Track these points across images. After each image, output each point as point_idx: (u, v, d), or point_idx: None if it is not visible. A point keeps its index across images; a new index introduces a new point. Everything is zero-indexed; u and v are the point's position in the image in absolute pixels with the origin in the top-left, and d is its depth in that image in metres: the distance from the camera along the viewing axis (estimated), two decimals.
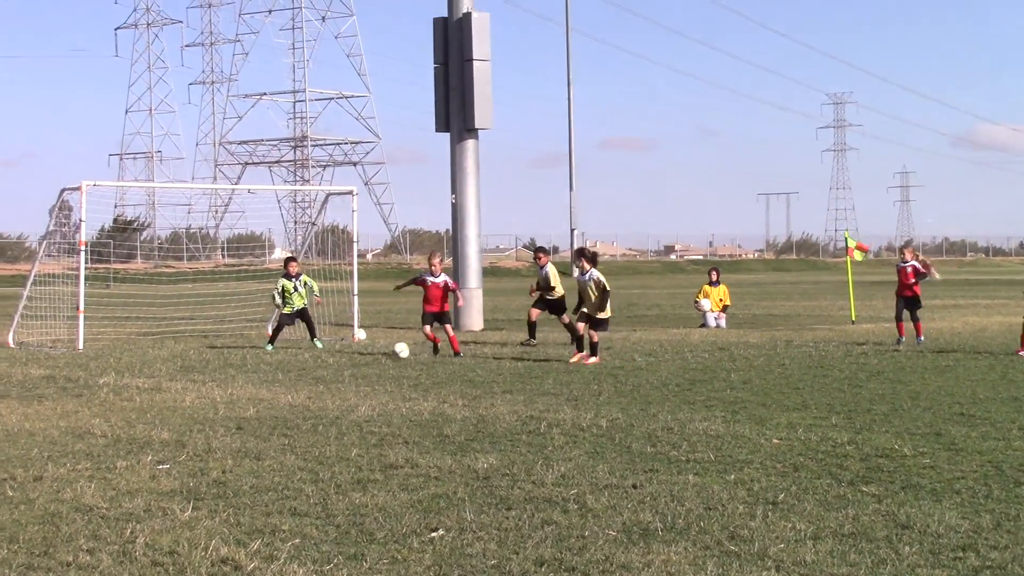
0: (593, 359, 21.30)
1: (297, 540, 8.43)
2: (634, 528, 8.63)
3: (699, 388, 17.30)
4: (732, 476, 10.48)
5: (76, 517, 9.21)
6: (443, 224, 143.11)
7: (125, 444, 12.72)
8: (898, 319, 25.42)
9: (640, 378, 18.74)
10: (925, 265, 25.52)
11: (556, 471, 10.75)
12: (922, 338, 25.15)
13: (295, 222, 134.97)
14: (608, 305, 21.91)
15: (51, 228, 33.21)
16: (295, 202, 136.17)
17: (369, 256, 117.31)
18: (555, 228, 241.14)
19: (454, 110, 33.39)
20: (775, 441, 12.34)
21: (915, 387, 17.09)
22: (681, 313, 39.65)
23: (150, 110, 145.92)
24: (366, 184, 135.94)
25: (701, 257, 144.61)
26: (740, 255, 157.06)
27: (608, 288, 21.87)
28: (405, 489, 10.11)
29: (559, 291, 25.42)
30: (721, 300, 32.83)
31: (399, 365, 21.44)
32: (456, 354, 23.02)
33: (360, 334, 28.62)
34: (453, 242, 34.71)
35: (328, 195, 33.17)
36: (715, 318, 32.38)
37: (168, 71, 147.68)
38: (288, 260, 26.87)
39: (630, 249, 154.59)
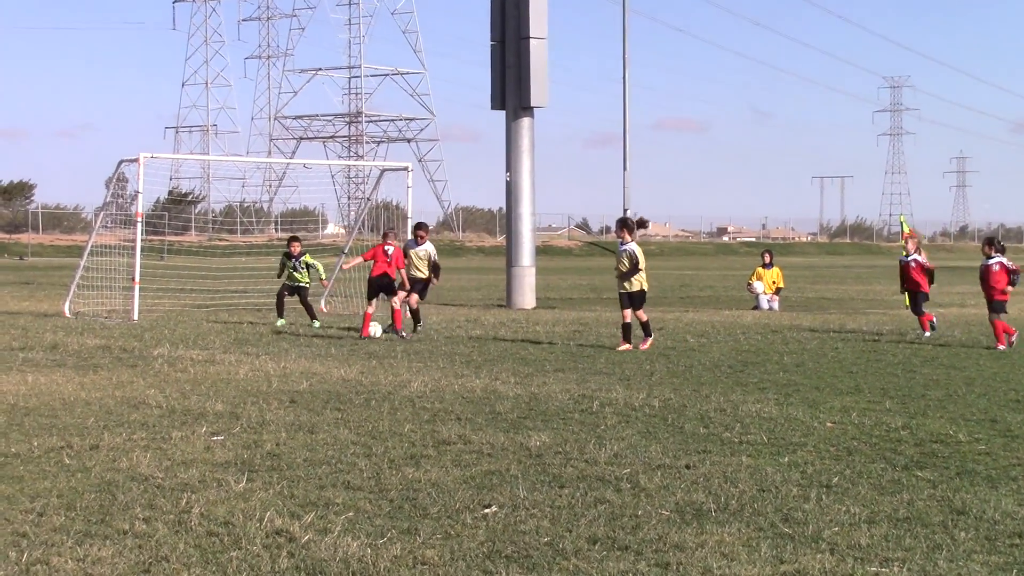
0: (649, 341, 20.41)
1: (351, 513, 8.46)
2: (687, 508, 8.61)
3: (752, 370, 17.23)
4: (786, 458, 10.44)
5: (132, 486, 9.28)
6: (496, 202, 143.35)
7: (180, 415, 12.81)
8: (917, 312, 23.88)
9: (692, 359, 18.70)
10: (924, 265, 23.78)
11: (609, 450, 10.74)
12: (927, 333, 23.33)
13: (348, 197, 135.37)
14: (638, 280, 20.52)
15: (108, 199, 33.45)
16: (349, 177, 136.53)
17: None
18: (608, 208, 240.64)
19: (510, 88, 33.36)
20: (829, 424, 12.29)
21: (970, 373, 16.96)
22: (734, 295, 39.54)
23: (206, 83, 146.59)
24: (420, 161, 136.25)
25: (754, 239, 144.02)
26: (793, 238, 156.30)
27: (641, 266, 20.53)
28: (458, 465, 10.13)
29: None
30: (774, 282, 32.70)
31: (452, 342, 21.46)
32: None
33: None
34: (507, 220, 34.72)
35: (383, 171, 33.21)
36: (768, 300, 32.25)
37: (224, 45, 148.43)
38: (291, 239, 27.22)
39: (683, 230, 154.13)
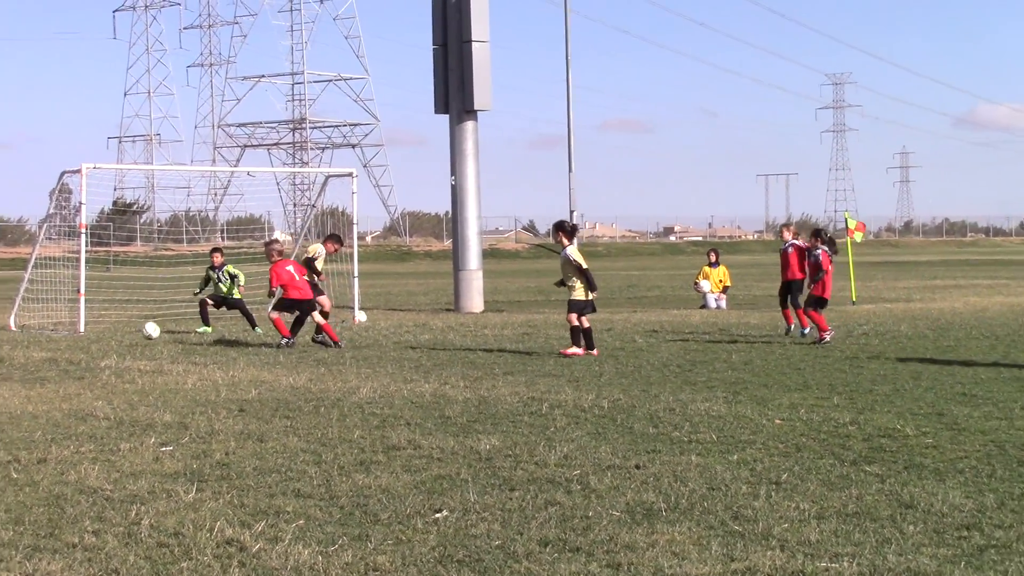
0: (572, 349, 19.42)
1: (301, 521, 8.44)
2: (638, 508, 8.64)
3: (700, 369, 17.31)
4: (735, 456, 10.49)
5: (81, 499, 9.22)
6: (442, 206, 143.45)
7: (128, 426, 12.73)
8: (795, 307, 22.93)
9: (641, 359, 18.75)
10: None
11: (559, 452, 10.76)
12: (806, 329, 22.20)
13: (294, 204, 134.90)
14: (582, 285, 19.71)
15: (51, 211, 33.17)
16: (294, 184, 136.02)
17: (368, 238, 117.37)
18: (555, 210, 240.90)
19: (453, 91, 33.36)
20: (777, 421, 12.36)
21: (916, 367, 17.10)
22: (681, 294, 39.69)
23: (149, 93, 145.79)
24: (365, 166, 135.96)
25: (700, 238, 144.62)
26: (739, 236, 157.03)
27: (584, 267, 19.76)
28: (408, 470, 10.12)
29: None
30: (721, 281, 32.85)
31: (400, 347, 21.44)
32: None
33: (360, 316, 28.63)
34: (453, 224, 34.71)
35: (328, 177, 33.14)
36: (715, 299, 32.40)
37: (167, 53, 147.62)
38: (212, 251, 27.32)
39: (629, 231, 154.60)
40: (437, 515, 8.53)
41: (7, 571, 7.35)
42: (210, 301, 26.46)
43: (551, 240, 20.47)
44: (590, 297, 19.81)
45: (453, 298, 34.10)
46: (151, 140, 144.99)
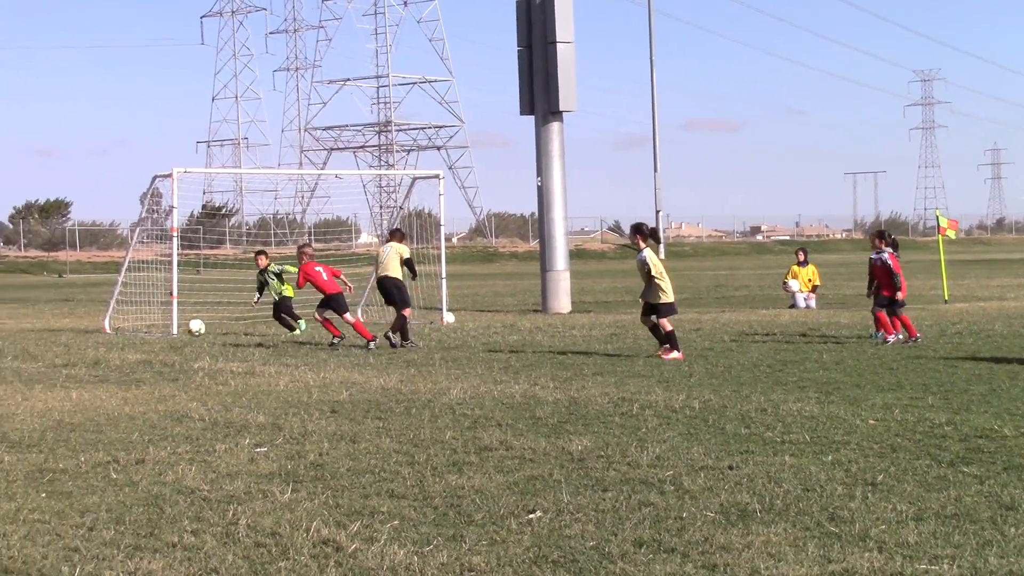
0: (674, 355, 18.92)
1: (396, 522, 8.48)
2: (732, 509, 8.60)
3: (791, 369, 17.19)
4: (829, 457, 10.41)
5: (179, 499, 9.33)
6: (527, 207, 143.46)
7: (223, 427, 12.87)
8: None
9: (731, 359, 18.66)
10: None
11: (651, 452, 10.74)
12: (881, 334, 21.08)
13: (380, 206, 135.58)
14: (656, 290, 19.39)
15: (143, 215, 33.62)
16: (380, 187, 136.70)
17: (455, 240, 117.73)
18: (640, 210, 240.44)
19: (538, 93, 33.39)
20: (871, 422, 12.24)
21: (1013, 367, 16.86)
22: (769, 294, 39.44)
23: (236, 97, 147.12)
24: (450, 168, 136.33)
25: (788, 237, 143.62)
26: (827, 235, 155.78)
27: (654, 273, 19.36)
28: (501, 471, 10.14)
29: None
30: (810, 280, 32.61)
31: (489, 348, 21.48)
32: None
33: (449, 317, 28.74)
34: (539, 225, 34.73)
35: (415, 179, 33.27)
36: (804, 298, 32.16)
37: (253, 58, 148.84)
38: (257, 254, 27.59)
39: (716, 230, 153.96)
40: (531, 515, 8.54)
41: (110, 569, 7.46)
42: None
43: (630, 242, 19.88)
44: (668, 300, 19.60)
45: (540, 299, 34.12)
46: (239, 144, 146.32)
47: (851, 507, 8.54)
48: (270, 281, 26.72)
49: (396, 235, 24.12)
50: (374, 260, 24.08)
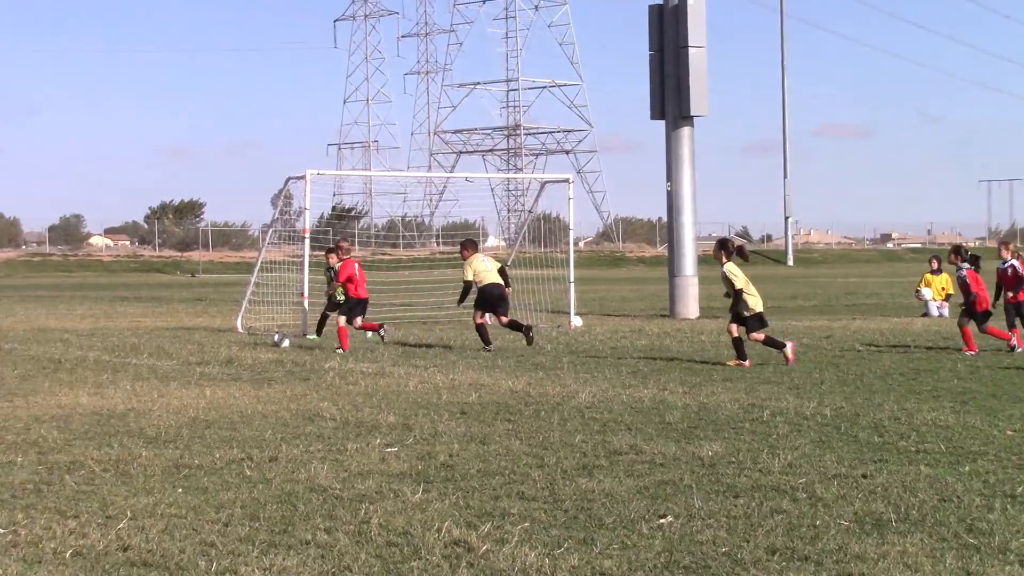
0: (742, 363, 18.93)
1: (527, 524, 8.49)
2: (866, 518, 8.48)
3: (925, 378, 16.92)
4: (966, 468, 10.22)
5: (312, 497, 9.43)
6: (655, 212, 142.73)
7: (354, 427, 12.98)
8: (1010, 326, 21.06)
9: (862, 367, 18.41)
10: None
11: (782, 459, 10.63)
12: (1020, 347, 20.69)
13: (508, 210, 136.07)
14: (743, 303, 19.32)
15: (275, 216, 34.04)
16: (508, 190, 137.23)
17: (582, 244, 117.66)
18: (769, 216, 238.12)
19: (669, 97, 33.26)
20: (1009, 432, 12.00)
21: None
22: (901, 302, 38.86)
23: (367, 100, 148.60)
24: (578, 172, 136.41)
25: (919, 245, 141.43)
26: (961, 243, 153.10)
27: (737, 286, 19.31)
28: (631, 475, 10.11)
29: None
30: (944, 289, 32.08)
31: (617, 353, 21.42)
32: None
33: (576, 321, 28.73)
34: (668, 230, 34.59)
35: (544, 183, 33.31)
36: (938, 307, 31.65)
37: (384, 62, 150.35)
38: (328, 251, 26.28)
39: (845, 237, 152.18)
40: (662, 520, 8.50)
41: (245, 565, 7.55)
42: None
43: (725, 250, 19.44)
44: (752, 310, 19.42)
45: (668, 304, 33.98)
46: (369, 146, 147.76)
47: (990, 519, 8.38)
48: (334, 279, 25.52)
49: (474, 246, 23.90)
50: (470, 270, 23.53)
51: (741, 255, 20.03)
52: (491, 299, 23.02)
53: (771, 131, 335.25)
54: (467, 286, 23.15)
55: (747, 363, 19.00)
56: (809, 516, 8.57)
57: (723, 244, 20.02)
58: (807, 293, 40.19)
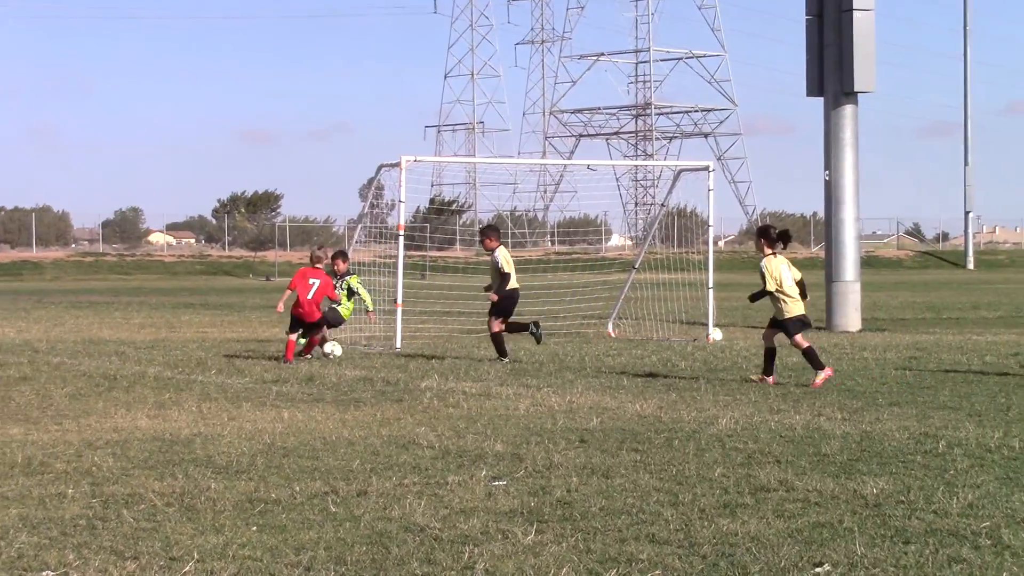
0: (821, 375, 19.08)
1: (658, 571, 8.51)
2: None
3: None
4: None
5: (407, 537, 9.52)
6: (809, 206, 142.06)
7: (455, 456, 13.07)
8: None
9: None
10: None
11: (962, 499, 10.55)
12: None
13: (636, 203, 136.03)
14: (776, 308, 19.61)
15: (364, 210, 34.32)
16: (636, 180, 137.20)
17: (722, 243, 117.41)
18: (946, 211, 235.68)
19: (829, 70, 33.07)
20: None
21: None
22: None
23: (472, 75, 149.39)
24: (719, 159, 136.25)
25: None
26: None
27: (769, 288, 19.60)
28: (780, 516, 10.09)
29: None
30: None
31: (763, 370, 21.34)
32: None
33: (716, 334, 28.67)
34: (826, 227, 34.41)
35: (680, 171, 33.27)
36: None
37: (492, 29, 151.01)
38: (336, 255, 26.15)
39: None
40: (818, 569, 8.48)
41: None
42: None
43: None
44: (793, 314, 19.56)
45: (824, 314, 33.78)
46: (473, 129, 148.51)
47: None
48: (339, 290, 25.47)
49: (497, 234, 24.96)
50: (499, 267, 24.30)
51: (784, 241, 20.22)
52: (514, 305, 24.17)
53: (950, 111, 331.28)
54: (507, 279, 24.13)
55: (771, 379, 19.46)
56: (994, 567, 8.50)
57: (763, 232, 20.43)
58: (991, 302, 39.83)
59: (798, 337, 19.46)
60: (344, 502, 10.83)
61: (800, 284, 19.77)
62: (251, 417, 16.18)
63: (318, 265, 24.75)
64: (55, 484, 11.74)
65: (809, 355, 19.38)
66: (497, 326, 23.97)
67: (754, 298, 20.26)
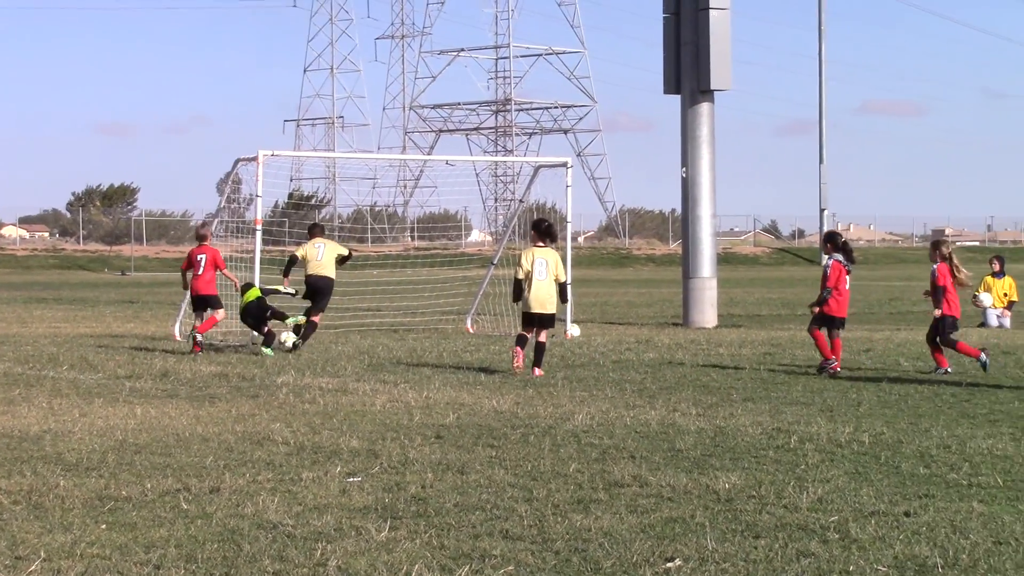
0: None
1: (511, 567, 8.53)
2: (908, 563, 8.54)
3: (980, 399, 17.00)
4: None
5: (259, 535, 9.46)
6: (668, 203, 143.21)
7: (310, 453, 13.02)
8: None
9: (907, 386, 18.49)
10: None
11: (811, 494, 10.69)
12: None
13: (495, 199, 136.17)
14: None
15: (221, 205, 34.04)
16: (496, 175, 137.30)
17: (581, 239, 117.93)
18: (801, 208, 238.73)
19: (686, 68, 33.31)
20: None
21: None
22: None
23: (331, 69, 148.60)
24: (578, 155, 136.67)
25: (977, 243, 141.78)
26: None
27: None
28: (634, 511, 10.15)
29: None
30: (1006, 295, 32.25)
31: (620, 367, 21.48)
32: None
33: (574, 330, 28.79)
34: (683, 223, 34.68)
35: (538, 168, 33.36)
36: (998, 316, 31.78)
37: (353, 23, 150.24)
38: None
39: (891, 233, 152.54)
40: (669, 564, 8.55)
41: None
42: None
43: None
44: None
45: (681, 310, 34.06)
46: (333, 123, 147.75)
47: None
48: None
49: (320, 230, 26.78)
50: (301, 259, 25.90)
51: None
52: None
53: (805, 109, 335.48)
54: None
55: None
56: (841, 560, 8.62)
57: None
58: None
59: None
60: (196, 499, 10.74)
61: (561, 286, 20.98)
62: (103, 413, 15.98)
63: (204, 243, 25.34)
64: None
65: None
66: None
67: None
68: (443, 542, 9.21)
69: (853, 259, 21.09)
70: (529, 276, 20.66)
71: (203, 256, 25.03)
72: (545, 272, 20.65)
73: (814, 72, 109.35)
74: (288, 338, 24.74)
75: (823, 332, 20.57)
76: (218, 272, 25.24)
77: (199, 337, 24.51)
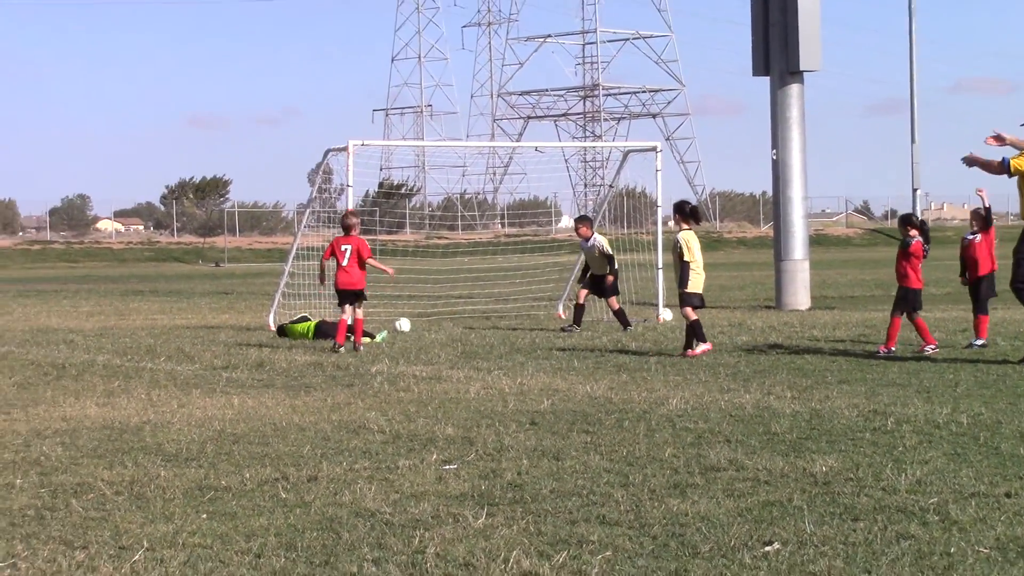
0: (702, 347, 20.96)
1: (608, 552, 8.53)
2: (1010, 545, 8.46)
3: None
4: None
5: (357, 523, 9.51)
6: (758, 185, 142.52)
7: (405, 441, 13.07)
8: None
9: (1006, 367, 18.32)
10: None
11: (910, 476, 10.61)
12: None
13: (585, 184, 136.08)
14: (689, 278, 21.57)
15: (312, 195, 34.21)
16: (585, 161, 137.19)
17: (671, 223, 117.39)
18: (893, 188, 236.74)
19: (775, 50, 33.12)
20: None
21: None
22: None
23: (419, 58, 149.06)
24: (667, 139, 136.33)
25: None
26: None
27: (687, 257, 21.68)
28: (730, 495, 10.13)
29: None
30: None
31: (713, 351, 21.40)
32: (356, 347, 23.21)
33: (666, 314, 28.69)
34: (774, 206, 34.51)
35: (627, 152, 33.26)
36: None
37: (439, 12, 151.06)
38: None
39: None
40: (767, 548, 8.52)
41: None
42: None
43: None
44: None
45: (774, 293, 33.93)
46: (422, 112, 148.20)
47: None
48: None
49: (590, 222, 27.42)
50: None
51: (695, 218, 22.37)
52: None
53: (896, 88, 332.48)
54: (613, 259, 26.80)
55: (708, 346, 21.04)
56: (942, 542, 8.55)
57: (679, 208, 22.35)
58: (940, 279, 39.95)
59: (689, 309, 21.11)
60: (294, 488, 10.81)
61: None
62: (201, 404, 16.12)
63: (350, 233, 24.04)
64: (3, 474, 11.68)
65: (693, 329, 21.01)
66: (616, 303, 26.40)
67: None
68: (540, 528, 9.23)
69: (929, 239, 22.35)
70: (695, 261, 21.54)
71: (348, 247, 23.61)
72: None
73: (905, 51, 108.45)
74: (403, 322, 24.66)
75: (919, 316, 20.79)
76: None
77: (341, 348, 23.02)
